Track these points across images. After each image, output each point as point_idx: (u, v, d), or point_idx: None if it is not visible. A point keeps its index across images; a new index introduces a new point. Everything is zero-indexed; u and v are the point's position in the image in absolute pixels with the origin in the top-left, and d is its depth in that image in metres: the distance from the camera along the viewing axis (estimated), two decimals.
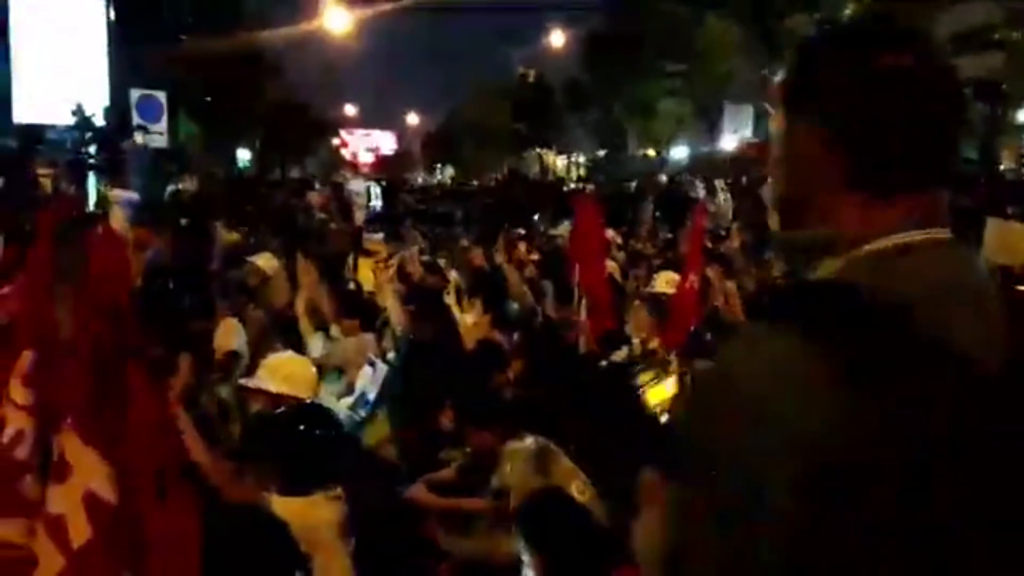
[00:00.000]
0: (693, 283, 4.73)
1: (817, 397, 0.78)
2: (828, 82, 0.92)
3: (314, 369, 3.84)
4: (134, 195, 1.76)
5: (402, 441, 4.34)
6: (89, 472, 1.63)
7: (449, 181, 37.83)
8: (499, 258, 6.58)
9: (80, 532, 1.61)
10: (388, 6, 28.74)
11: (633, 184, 21.34)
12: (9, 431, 1.91)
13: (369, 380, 4.81)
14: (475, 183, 31.63)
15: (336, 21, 26.00)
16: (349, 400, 4.65)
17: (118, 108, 14.99)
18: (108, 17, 16.42)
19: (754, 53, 23.26)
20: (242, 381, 3.76)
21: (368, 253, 8.59)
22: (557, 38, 35.47)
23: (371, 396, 4.69)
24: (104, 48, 16.39)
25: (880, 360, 0.79)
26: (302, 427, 2.81)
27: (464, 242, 9.57)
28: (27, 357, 1.92)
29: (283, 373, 3.48)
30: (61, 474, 1.64)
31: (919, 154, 0.90)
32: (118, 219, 1.64)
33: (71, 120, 12.88)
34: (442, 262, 7.42)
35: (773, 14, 20.93)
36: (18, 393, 1.91)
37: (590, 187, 19.30)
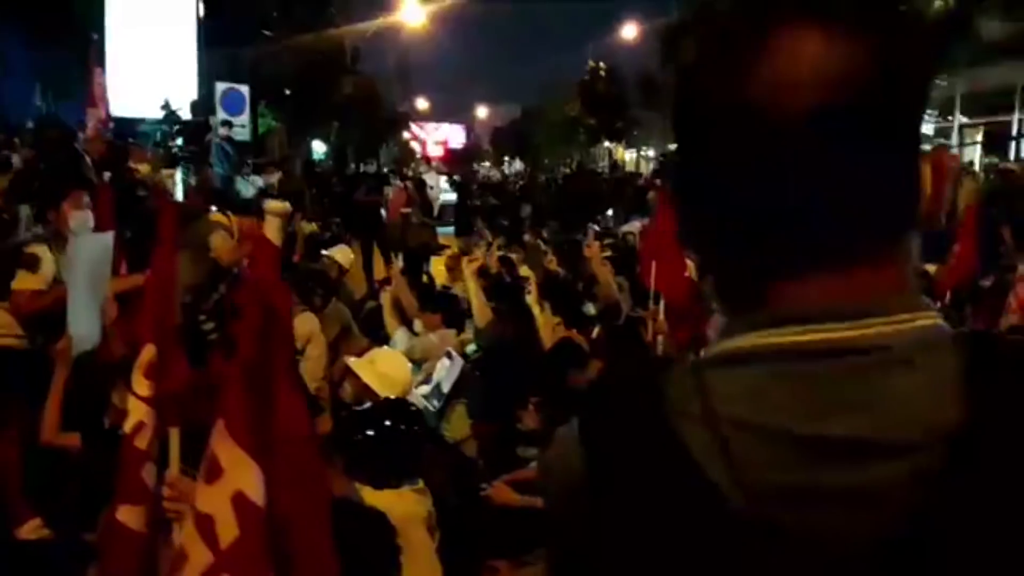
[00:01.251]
0: None
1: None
2: None
3: (410, 372, 3.91)
4: (288, 206, 1.80)
5: (482, 437, 4.39)
6: (240, 474, 1.67)
7: (515, 176, 37.83)
8: (588, 252, 6.55)
9: (228, 531, 1.65)
10: (463, 0, 28.90)
11: None
12: (131, 421, 2.01)
13: (445, 371, 4.88)
14: (543, 177, 31.54)
15: (412, 15, 26.33)
16: (425, 389, 4.72)
17: (205, 101, 15.47)
18: (198, 13, 16.93)
19: None
20: (349, 361, 3.81)
21: (439, 248, 8.69)
22: (630, 31, 35.18)
23: (446, 388, 4.76)
24: (193, 43, 16.91)
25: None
26: (389, 422, 2.87)
27: (534, 240, 9.56)
28: (149, 351, 2.02)
29: (378, 371, 3.56)
30: (212, 475, 1.69)
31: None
32: (273, 229, 1.64)
33: (160, 114, 13.32)
34: (514, 257, 7.45)
35: None
36: (140, 385, 2.01)
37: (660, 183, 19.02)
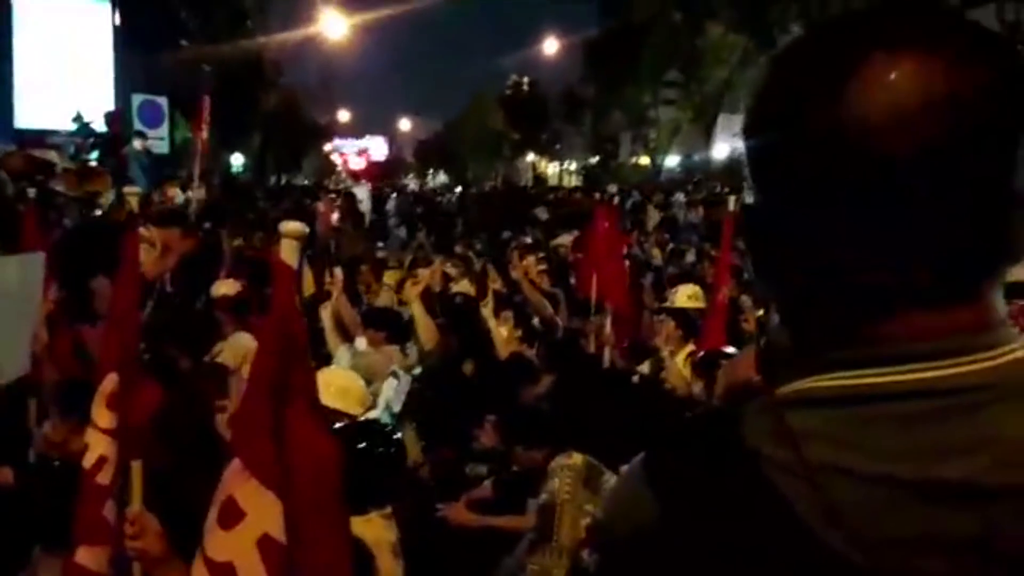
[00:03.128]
0: (725, 297, 4.72)
1: None
2: None
3: (363, 384, 3.81)
4: (306, 227, 1.71)
5: (434, 458, 4.32)
6: (263, 515, 1.59)
7: (440, 188, 37.75)
8: (515, 274, 6.53)
9: None
10: (385, 12, 28.78)
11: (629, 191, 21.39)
12: (91, 456, 1.88)
13: (393, 391, 4.79)
14: (460, 188, 31.56)
15: (333, 28, 26.05)
16: (376, 412, 4.63)
17: (121, 113, 14.89)
18: (114, 22, 16.31)
19: (753, 62, 23.38)
20: None
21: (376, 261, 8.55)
22: (551, 45, 35.65)
23: (396, 407, 4.68)
24: (110, 53, 16.27)
25: None
26: (363, 444, 2.77)
27: (466, 252, 9.49)
28: (112, 380, 1.89)
29: (336, 387, 3.44)
30: (230, 520, 1.60)
31: None
32: (289, 251, 1.54)
33: (72, 126, 12.76)
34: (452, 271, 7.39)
35: (772, 23, 21.04)
36: (102, 416, 1.89)
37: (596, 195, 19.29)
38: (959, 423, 0.61)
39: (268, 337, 1.69)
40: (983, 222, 0.63)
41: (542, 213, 14.69)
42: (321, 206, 11.87)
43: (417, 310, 4.94)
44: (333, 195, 14.29)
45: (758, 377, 1.33)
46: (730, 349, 4.04)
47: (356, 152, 52.78)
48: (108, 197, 8.44)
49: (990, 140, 0.62)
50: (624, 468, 0.76)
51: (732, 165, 26.58)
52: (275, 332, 1.67)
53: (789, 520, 0.63)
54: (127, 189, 2.79)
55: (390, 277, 5.63)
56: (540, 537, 3.29)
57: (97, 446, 1.86)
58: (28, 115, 14.78)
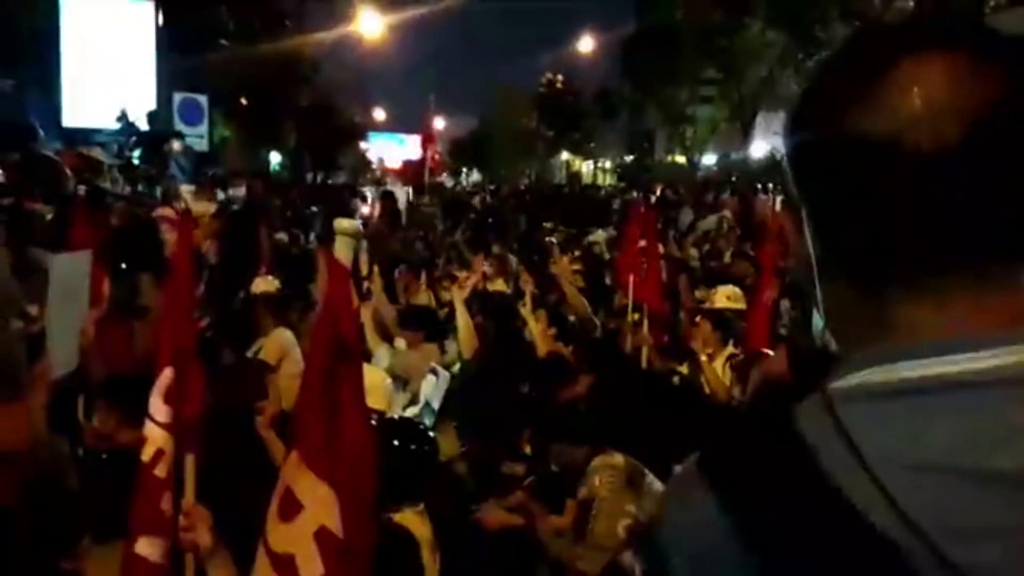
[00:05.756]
0: (769, 299, 4.68)
1: None
2: None
3: (389, 380, 3.84)
4: (359, 223, 1.74)
5: (472, 456, 4.33)
6: (321, 508, 1.61)
7: (473, 187, 37.83)
8: (555, 269, 6.53)
9: (312, 569, 1.59)
10: (420, 11, 28.92)
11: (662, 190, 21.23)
12: (149, 450, 1.93)
13: (432, 388, 4.82)
14: (492, 187, 31.58)
15: (370, 25, 26.23)
16: (415, 410, 4.66)
17: (162, 111, 15.18)
18: (157, 22, 16.59)
19: (791, 61, 23.08)
20: None
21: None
22: (586, 43, 35.53)
23: (435, 404, 4.70)
24: (152, 51, 16.56)
25: None
26: (396, 442, 2.80)
27: (504, 251, 9.49)
28: (168, 375, 1.94)
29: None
30: (290, 512, 1.63)
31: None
32: (344, 250, 1.57)
33: (116, 125, 13.03)
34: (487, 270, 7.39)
35: (811, 21, 20.74)
36: (159, 410, 1.93)
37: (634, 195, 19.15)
38: (1012, 412, 0.63)
39: (322, 333, 1.71)
40: (1019, 215, 0.65)
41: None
42: (360, 204, 11.96)
43: (462, 317, 4.93)
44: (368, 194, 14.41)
45: (789, 375, 1.34)
46: (772, 353, 4.00)
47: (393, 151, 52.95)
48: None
49: (1016, 134, 0.65)
50: (676, 471, 0.77)
51: (770, 164, 26.30)
52: (329, 328, 1.69)
53: (849, 514, 0.64)
54: (183, 187, 2.85)
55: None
56: (575, 532, 3.30)
57: (155, 440, 1.91)
58: (74, 114, 15.10)
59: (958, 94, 0.65)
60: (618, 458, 3.30)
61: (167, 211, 5.74)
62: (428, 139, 26.81)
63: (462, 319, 4.90)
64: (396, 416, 3.39)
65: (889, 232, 0.67)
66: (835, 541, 0.65)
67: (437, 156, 30.74)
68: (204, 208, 5.77)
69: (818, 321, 0.84)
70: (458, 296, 5.07)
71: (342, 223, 1.76)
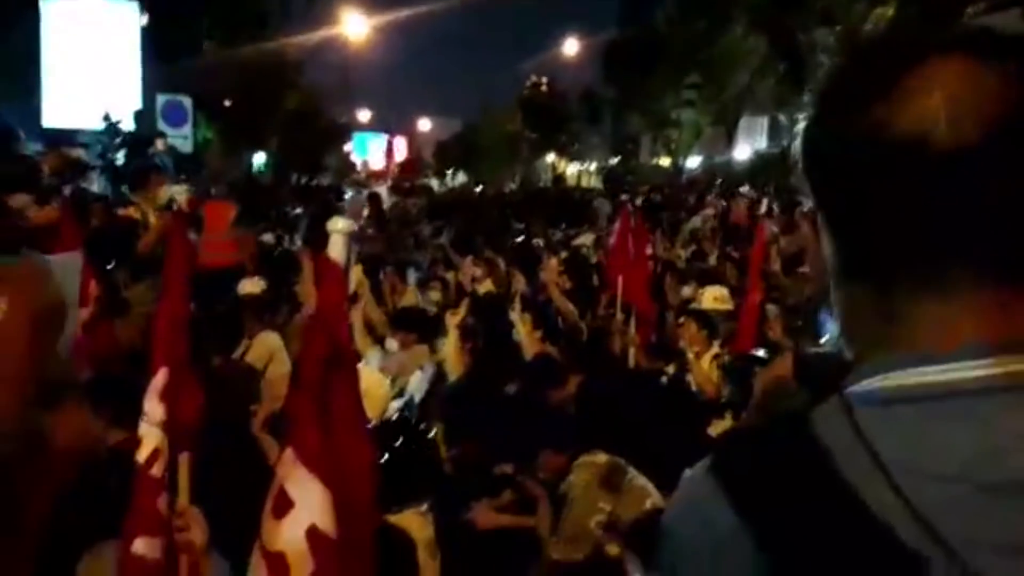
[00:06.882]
0: (756, 300, 4.72)
1: None
2: None
3: (387, 388, 3.84)
4: (355, 225, 1.72)
5: (460, 457, 4.33)
6: (313, 506, 1.61)
7: (458, 188, 37.77)
8: (544, 276, 6.54)
9: (303, 567, 1.59)
10: (405, 13, 28.91)
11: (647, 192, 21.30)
12: (145, 449, 1.93)
13: (418, 384, 4.83)
14: (478, 188, 31.61)
15: (354, 27, 26.17)
16: (398, 403, 4.66)
17: (146, 113, 15.05)
18: (140, 23, 16.46)
19: (772, 67, 23.26)
20: None
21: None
22: (571, 46, 35.62)
23: (418, 398, 4.72)
24: (137, 53, 16.43)
25: None
26: (396, 443, 2.81)
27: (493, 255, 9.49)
28: (163, 375, 1.94)
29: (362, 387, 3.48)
30: (282, 509, 1.62)
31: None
32: (338, 250, 1.56)
33: (101, 125, 12.89)
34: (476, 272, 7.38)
35: (794, 27, 20.90)
36: (155, 410, 1.93)
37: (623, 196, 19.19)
38: None
39: (316, 332, 1.70)
40: None
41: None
42: (347, 206, 11.92)
43: (453, 343, 4.92)
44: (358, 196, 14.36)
45: (794, 381, 1.35)
46: (760, 352, 4.03)
47: (382, 147, 52.77)
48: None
49: None
50: (686, 474, 0.76)
51: (753, 167, 26.45)
52: (323, 327, 1.69)
53: (867, 520, 0.63)
54: (176, 188, 2.84)
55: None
56: (554, 526, 3.34)
57: (151, 440, 1.91)
58: (55, 115, 14.96)
59: (980, 94, 0.64)
60: (600, 457, 3.34)
61: (131, 210, 5.71)
62: (390, 152, 28.14)
63: (453, 345, 4.87)
64: (395, 418, 3.39)
65: (908, 231, 0.66)
66: (852, 547, 0.64)
67: (400, 165, 31.89)
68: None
69: (831, 327, 0.83)
70: (451, 321, 5.05)
71: (336, 222, 1.75)
